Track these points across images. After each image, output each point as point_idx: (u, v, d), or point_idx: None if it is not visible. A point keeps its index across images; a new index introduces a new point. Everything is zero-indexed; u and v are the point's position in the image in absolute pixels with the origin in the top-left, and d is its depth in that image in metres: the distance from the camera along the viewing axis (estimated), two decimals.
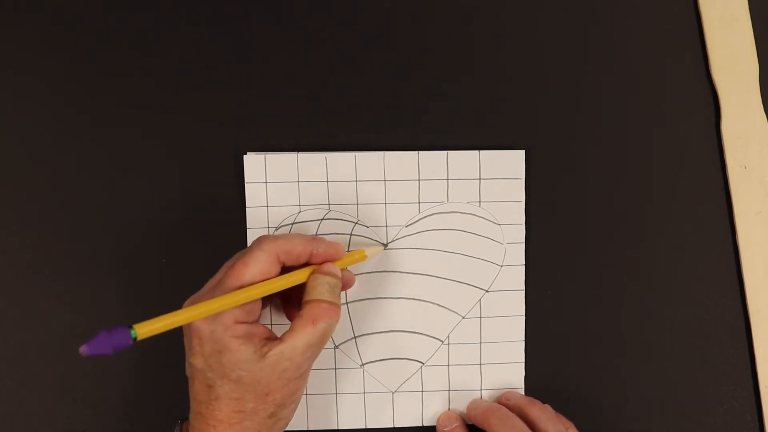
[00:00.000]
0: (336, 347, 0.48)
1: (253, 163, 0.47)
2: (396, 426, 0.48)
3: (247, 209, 0.47)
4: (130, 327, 0.35)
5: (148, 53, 0.47)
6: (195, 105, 0.47)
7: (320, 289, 0.41)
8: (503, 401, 0.48)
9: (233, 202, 0.47)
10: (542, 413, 0.46)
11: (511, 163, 0.48)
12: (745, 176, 0.48)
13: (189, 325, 0.40)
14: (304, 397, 0.48)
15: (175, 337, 0.47)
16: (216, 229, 0.47)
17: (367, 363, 0.48)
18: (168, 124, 0.47)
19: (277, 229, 0.47)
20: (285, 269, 0.42)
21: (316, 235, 0.47)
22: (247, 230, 0.47)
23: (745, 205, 0.48)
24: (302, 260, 0.42)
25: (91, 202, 0.47)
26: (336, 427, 0.48)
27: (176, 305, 0.47)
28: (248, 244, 0.47)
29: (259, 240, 0.41)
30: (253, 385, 0.39)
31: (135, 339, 0.35)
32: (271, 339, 0.40)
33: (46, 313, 0.47)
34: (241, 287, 0.39)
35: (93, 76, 0.47)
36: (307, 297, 0.41)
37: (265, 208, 0.47)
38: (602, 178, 0.48)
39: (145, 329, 0.36)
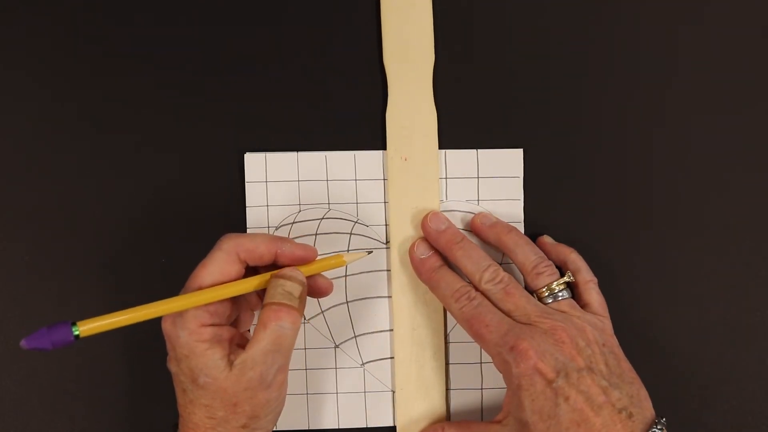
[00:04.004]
0: (336, 346, 0.48)
1: (253, 162, 0.47)
2: (396, 425, 0.48)
3: (247, 209, 0.47)
4: (73, 323, 0.35)
5: (148, 53, 0.48)
6: (195, 105, 0.48)
7: (273, 292, 0.40)
8: (477, 223, 0.47)
9: (233, 201, 0.47)
10: (519, 239, 0.45)
11: (510, 161, 0.48)
12: (404, 168, 0.47)
13: (163, 329, 0.40)
14: (304, 396, 0.48)
15: None
16: (216, 229, 0.47)
17: (367, 362, 0.48)
18: (168, 124, 0.48)
19: (277, 228, 0.47)
20: (254, 271, 0.42)
21: (316, 234, 0.47)
22: (247, 230, 0.47)
23: (397, 199, 0.47)
24: (267, 260, 0.41)
25: (90, 202, 0.47)
26: (336, 426, 0.48)
27: None
28: None
29: (221, 239, 0.40)
30: (219, 394, 0.38)
31: (77, 336, 0.35)
32: (242, 344, 0.40)
33: (46, 313, 0.47)
34: (200, 288, 0.39)
35: (92, 76, 0.47)
36: (263, 301, 0.40)
37: (265, 207, 0.47)
38: (601, 176, 0.49)
39: (87, 326, 0.36)
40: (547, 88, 0.48)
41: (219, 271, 0.39)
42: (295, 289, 0.40)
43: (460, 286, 0.44)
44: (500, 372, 0.42)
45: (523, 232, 0.48)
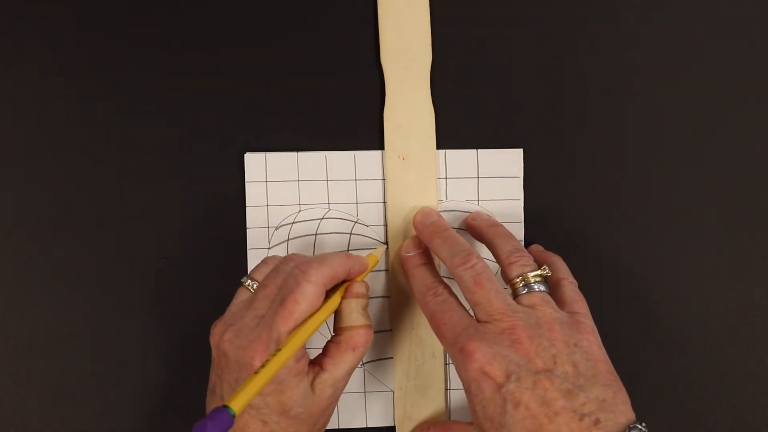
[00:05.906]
0: None
1: (254, 162, 0.47)
2: (395, 424, 0.48)
3: (247, 208, 0.47)
4: (226, 407, 0.34)
5: (148, 53, 0.48)
6: (195, 105, 0.48)
7: (355, 315, 0.41)
8: (469, 221, 0.46)
9: (233, 201, 0.48)
10: (499, 231, 0.44)
11: (510, 161, 0.48)
12: (402, 167, 0.47)
13: (238, 362, 0.38)
14: None
15: (173, 338, 0.47)
16: (216, 229, 0.47)
17: (367, 362, 0.48)
18: (168, 124, 0.48)
19: (277, 228, 0.47)
20: None
21: (316, 234, 0.47)
22: (247, 230, 0.47)
23: (396, 198, 0.47)
24: (339, 281, 0.42)
25: (91, 201, 0.47)
26: (337, 427, 0.48)
27: (175, 304, 0.47)
28: (248, 244, 0.47)
29: (305, 270, 0.39)
30: (308, 420, 0.39)
31: (234, 416, 0.34)
32: (313, 366, 0.41)
33: (47, 313, 0.47)
34: (296, 326, 0.38)
35: (92, 76, 0.47)
36: (344, 323, 0.41)
37: (265, 207, 0.47)
38: (600, 176, 0.49)
39: (240, 403, 0.35)
40: (547, 88, 0.48)
41: (310, 306, 0.39)
42: (367, 304, 0.42)
43: (430, 282, 0.42)
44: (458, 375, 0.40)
45: (523, 232, 0.48)
